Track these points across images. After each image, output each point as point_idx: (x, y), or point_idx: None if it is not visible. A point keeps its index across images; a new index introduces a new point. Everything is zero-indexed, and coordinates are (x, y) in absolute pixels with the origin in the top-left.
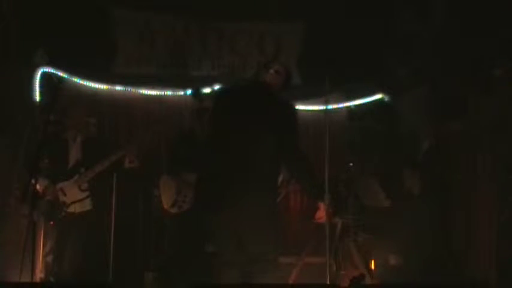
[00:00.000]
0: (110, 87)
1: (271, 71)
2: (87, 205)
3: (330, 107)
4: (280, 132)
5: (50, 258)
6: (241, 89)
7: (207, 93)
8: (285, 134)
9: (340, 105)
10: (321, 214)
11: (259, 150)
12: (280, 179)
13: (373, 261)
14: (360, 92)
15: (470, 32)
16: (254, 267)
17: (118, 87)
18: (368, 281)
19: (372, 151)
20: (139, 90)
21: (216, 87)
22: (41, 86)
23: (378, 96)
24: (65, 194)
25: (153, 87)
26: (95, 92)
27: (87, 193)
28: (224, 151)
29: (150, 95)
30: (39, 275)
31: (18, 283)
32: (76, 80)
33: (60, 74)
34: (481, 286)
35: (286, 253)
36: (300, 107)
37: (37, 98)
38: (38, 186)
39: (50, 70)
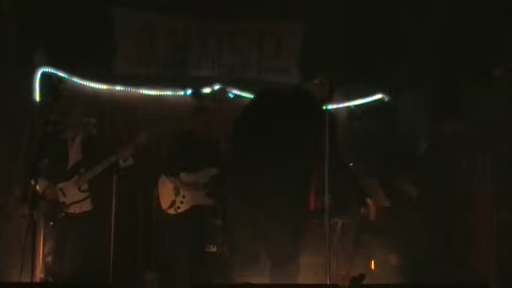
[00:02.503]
0: (110, 87)
1: (316, 81)
2: (87, 206)
3: (330, 107)
4: (319, 142)
5: (50, 258)
6: (284, 94)
7: (207, 93)
8: (325, 143)
9: (340, 105)
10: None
11: (293, 157)
12: None
13: (373, 261)
14: (360, 92)
15: (470, 32)
16: (275, 268)
17: (118, 87)
18: (368, 281)
19: (372, 151)
20: (139, 90)
21: (216, 87)
22: (41, 86)
23: (378, 96)
24: (64, 195)
25: (153, 87)
26: (95, 92)
27: (87, 194)
28: (258, 154)
29: (150, 95)
30: (39, 275)
31: (18, 283)
32: (76, 80)
33: (60, 74)
34: (481, 286)
35: None
36: None
37: (37, 98)
38: (37, 187)
39: (50, 70)
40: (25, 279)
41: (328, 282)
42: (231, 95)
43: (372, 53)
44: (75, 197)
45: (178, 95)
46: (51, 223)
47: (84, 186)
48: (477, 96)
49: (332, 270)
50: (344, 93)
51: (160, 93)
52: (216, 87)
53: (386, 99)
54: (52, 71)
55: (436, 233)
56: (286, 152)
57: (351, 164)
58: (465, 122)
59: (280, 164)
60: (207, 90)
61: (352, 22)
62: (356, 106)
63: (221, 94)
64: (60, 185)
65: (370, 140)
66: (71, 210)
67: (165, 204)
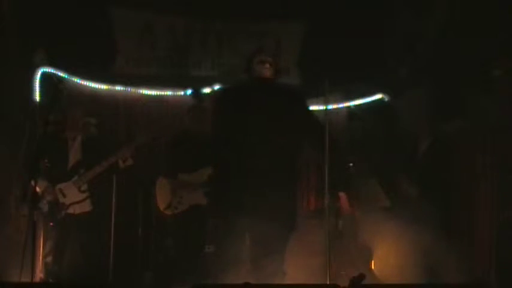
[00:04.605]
0: (110, 87)
1: (267, 65)
2: (86, 206)
3: (330, 107)
4: (296, 122)
5: (50, 259)
6: (245, 88)
7: (207, 93)
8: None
9: (340, 105)
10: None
11: (274, 147)
12: None
13: (373, 261)
14: (360, 92)
15: (470, 32)
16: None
17: (118, 87)
18: (368, 281)
19: (372, 151)
20: (139, 90)
21: (216, 87)
22: (41, 86)
23: (378, 96)
24: (64, 195)
25: (153, 87)
26: (95, 92)
27: (86, 194)
28: (239, 151)
29: (150, 95)
30: (39, 275)
31: (18, 283)
32: (76, 80)
33: (60, 74)
34: (481, 286)
35: None
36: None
37: (37, 98)
38: (37, 187)
39: (50, 70)
40: (25, 279)
41: (328, 282)
42: None
43: (371, 53)
44: (75, 198)
45: (178, 95)
46: (51, 223)
47: (84, 187)
48: (477, 96)
49: (332, 270)
50: (344, 93)
51: (160, 93)
52: (216, 87)
53: (386, 99)
54: (52, 71)
55: (435, 232)
56: (264, 141)
57: (351, 164)
58: (465, 122)
59: (259, 156)
60: (207, 90)
61: (352, 22)
62: (356, 106)
63: None
64: (60, 186)
65: (370, 140)
66: (71, 210)
67: (162, 205)
